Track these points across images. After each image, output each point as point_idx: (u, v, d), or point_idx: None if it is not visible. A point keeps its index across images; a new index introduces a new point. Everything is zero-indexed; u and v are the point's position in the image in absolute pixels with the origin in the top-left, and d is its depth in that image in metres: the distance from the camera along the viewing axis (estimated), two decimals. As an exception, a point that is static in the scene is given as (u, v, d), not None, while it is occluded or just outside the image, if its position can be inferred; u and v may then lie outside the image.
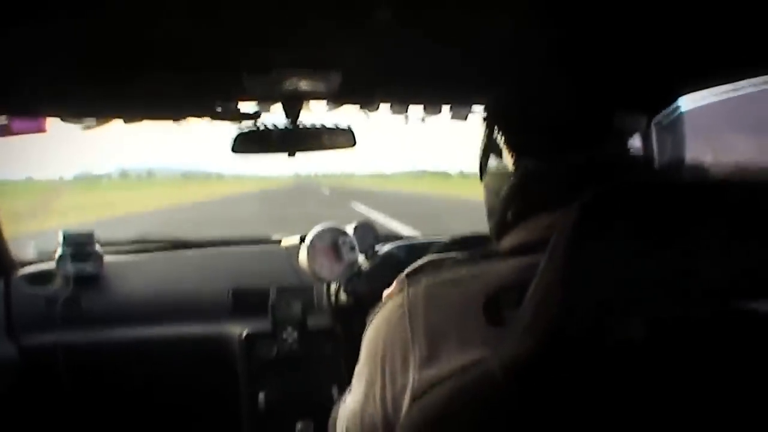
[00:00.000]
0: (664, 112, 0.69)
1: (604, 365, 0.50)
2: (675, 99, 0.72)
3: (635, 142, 0.66)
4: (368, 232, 1.79)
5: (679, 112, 0.71)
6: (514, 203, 0.69)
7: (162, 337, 1.76)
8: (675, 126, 0.69)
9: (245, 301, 1.84)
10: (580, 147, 0.65)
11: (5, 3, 0.66)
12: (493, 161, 0.73)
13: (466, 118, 1.40)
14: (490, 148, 0.74)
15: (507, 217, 0.69)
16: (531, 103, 0.69)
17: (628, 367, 0.50)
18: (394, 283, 0.68)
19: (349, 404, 0.72)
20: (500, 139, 0.71)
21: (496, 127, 0.72)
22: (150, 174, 57.79)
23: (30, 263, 1.87)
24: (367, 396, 0.66)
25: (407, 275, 0.67)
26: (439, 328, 0.60)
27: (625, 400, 0.50)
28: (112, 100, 1.17)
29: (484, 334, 0.56)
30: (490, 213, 0.75)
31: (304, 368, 1.72)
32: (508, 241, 0.69)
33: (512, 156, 0.69)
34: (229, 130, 1.21)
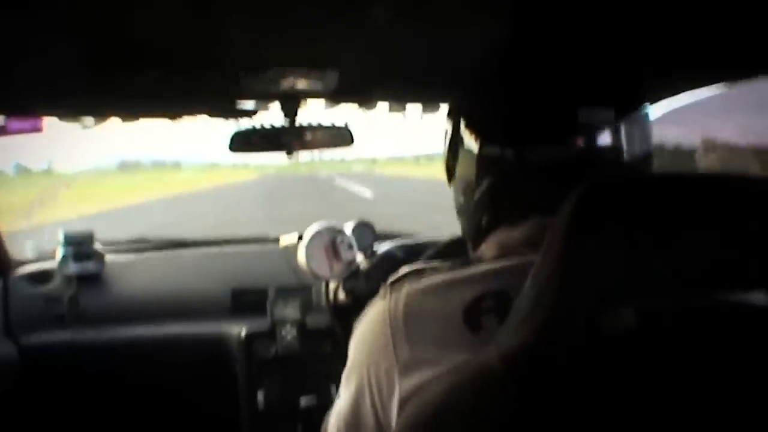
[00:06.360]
0: (634, 109, 0.70)
1: (600, 357, 0.51)
2: (645, 97, 0.73)
3: (604, 138, 0.67)
4: (366, 231, 1.80)
5: (647, 109, 0.72)
6: (488, 208, 0.70)
7: (161, 336, 1.77)
8: (644, 122, 0.70)
9: (244, 301, 1.84)
10: (548, 143, 0.66)
11: (2, 2, 0.66)
12: (461, 158, 0.74)
13: None
14: (458, 145, 0.74)
15: (482, 223, 0.71)
16: (497, 98, 0.70)
17: (624, 358, 0.51)
18: (380, 291, 0.70)
19: (340, 409, 0.72)
20: (467, 136, 0.72)
21: (462, 125, 0.73)
22: (49, 169, 40.95)
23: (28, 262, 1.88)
24: (357, 402, 0.67)
25: (390, 284, 0.69)
26: (420, 335, 0.62)
27: (621, 391, 0.51)
28: (110, 99, 1.17)
29: (466, 340, 0.59)
30: (460, 212, 0.77)
31: (303, 367, 1.73)
32: (488, 247, 0.70)
33: (480, 153, 0.70)
34: (226, 127, 1.22)
